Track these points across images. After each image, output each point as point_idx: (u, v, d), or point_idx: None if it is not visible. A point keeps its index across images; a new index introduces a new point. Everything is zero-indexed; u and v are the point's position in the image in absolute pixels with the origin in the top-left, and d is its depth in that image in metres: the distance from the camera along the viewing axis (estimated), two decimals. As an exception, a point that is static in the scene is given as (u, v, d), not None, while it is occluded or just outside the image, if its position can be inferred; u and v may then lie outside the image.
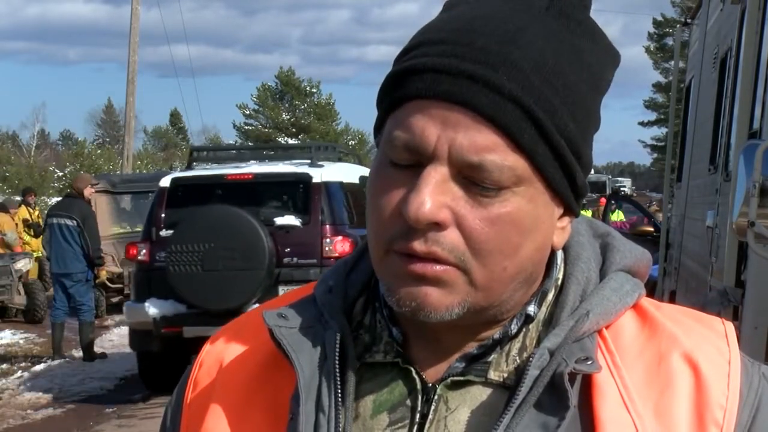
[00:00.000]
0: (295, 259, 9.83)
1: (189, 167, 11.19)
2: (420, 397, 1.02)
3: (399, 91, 0.98)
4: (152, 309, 9.79)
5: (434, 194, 0.94)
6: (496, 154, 0.94)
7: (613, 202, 18.36)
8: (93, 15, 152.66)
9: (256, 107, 66.10)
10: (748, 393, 1.01)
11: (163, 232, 9.93)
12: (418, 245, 0.95)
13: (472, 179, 0.95)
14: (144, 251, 10.08)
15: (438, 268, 0.95)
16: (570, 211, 1.02)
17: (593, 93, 0.99)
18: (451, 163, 0.95)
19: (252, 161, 11.22)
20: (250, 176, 10.21)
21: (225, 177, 10.28)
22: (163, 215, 10.06)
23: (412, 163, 0.96)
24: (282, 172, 10.35)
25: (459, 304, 0.97)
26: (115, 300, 17.04)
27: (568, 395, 0.96)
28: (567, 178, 0.98)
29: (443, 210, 0.94)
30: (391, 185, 0.97)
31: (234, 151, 14.68)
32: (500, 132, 0.94)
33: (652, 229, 12.36)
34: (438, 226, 0.95)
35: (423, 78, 0.96)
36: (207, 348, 1.15)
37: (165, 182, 10.36)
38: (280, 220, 9.86)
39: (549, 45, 0.96)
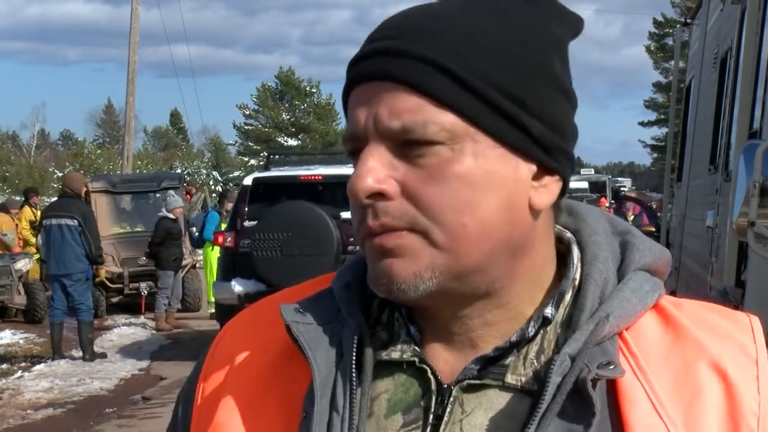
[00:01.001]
0: (357, 248, 11.36)
1: (266, 168, 13.11)
2: (435, 399, 1.00)
3: (346, 96, 1.03)
4: (237, 287, 11.46)
5: (371, 169, 0.96)
6: (417, 114, 0.96)
7: (612, 201, 18.37)
8: (93, 15, 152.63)
9: (256, 107, 66.07)
10: None
11: (247, 223, 11.72)
12: (371, 221, 0.97)
13: (407, 145, 0.97)
14: (230, 238, 11.90)
15: (394, 235, 0.97)
16: (547, 168, 1.00)
17: (529, 45, 0.98)
18: (381, 136, 0.97)
19: (318, 164, 12.99)
20: (320, 177, 11.97)
21: (299, 177, 12.09)
22: (246, 209, 11.89)
23: (359, 150, 0.99)
24: (347, 174, 11.70)
25: (427, 269, 0.97)
26: (115, 300, 17.03)
27: (592, 401, 0.94)
28: (521, 130, 0.97)
29: (384, 181, 0.96)
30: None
31: (303, 155, 17.77)
32: (419, 93, 0.96)
33: (654, 228, 12.37)
34: (383, 197, 0.97)
35: (352, 72, 1.01)
36: (220, 338, 1.14)
37: (247, 181, 12.38)
38: (345, 214, 11.08)
39: (469, 10, 0.99)
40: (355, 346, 1.01)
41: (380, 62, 0.97)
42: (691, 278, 7.32)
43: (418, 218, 0.96)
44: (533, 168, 0.99)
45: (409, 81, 0.96)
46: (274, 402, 1.04)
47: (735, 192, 3.67)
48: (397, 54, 0.97)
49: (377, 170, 0.96)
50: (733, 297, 4.77)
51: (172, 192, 15.93)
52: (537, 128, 0.98)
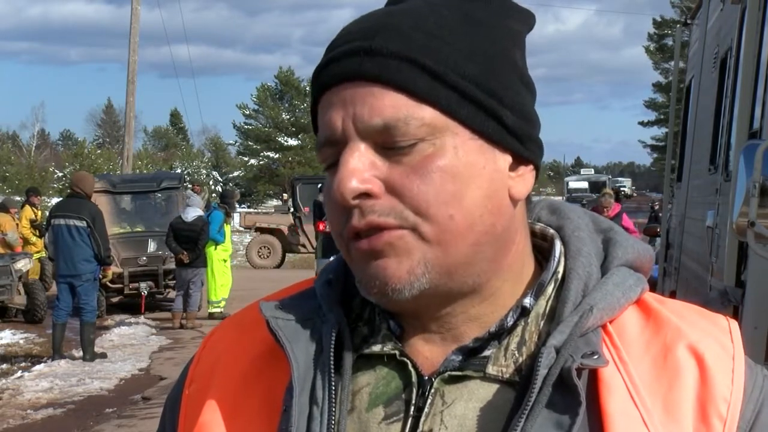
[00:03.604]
0: None
1: None
2: (416, 391, 1.01)
3: (313, 105, 1.02)
4: None
5: (354, 170, 0.96)
6: (399, 110, 0.96)
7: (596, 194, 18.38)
8: (95, 15, 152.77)
9: (256, 107, 66.12)
10: (752, 389, 1.01)
11: None
12: (356, 221, 0.97)
13: (388, 143, 0.96)
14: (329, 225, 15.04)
15: (384, 234, 0.96)
16: (522, 158, 1.02)
17: (491, 40, 1.00)
18: (362, 136, 0.97)
19: None
20: None
21: None
22: None
23: (337, 156, 0.99)
24: None
25: (419, 264, 0.97)
26: (115, 300, 17.03)
27: (578, 391, 0.95)
28: (496, 121, 0.99)
29: (368, 181, 0.96)
30: (330, 186, 0.99)
31: None
32: (395, 90, 0.96)
33: (658, 230, 12.41)
34: (368, 196, 0.96)
35: (320, 77, 1.00)
36: (206, 342, 1.15)
37: None
38: None
39: (432, 10, 0.99)
40: (333, 339, 1.02)
41: (351, 63, 0.97)
42: (691, 278, 7.31)
43: (406, 213, 0.96)
44: (509, 159, 1.01)
45: (384, 78, 0.96)
46: (256, 400, 1.05)
47: (735, 192, 3.67)
48: (369, 53, 0.97)
49: (360, 171, 0.96)
50: (733, 297, 4.77)
51: (190, 192, 16.13)
52: (510, 118, 1.00)
